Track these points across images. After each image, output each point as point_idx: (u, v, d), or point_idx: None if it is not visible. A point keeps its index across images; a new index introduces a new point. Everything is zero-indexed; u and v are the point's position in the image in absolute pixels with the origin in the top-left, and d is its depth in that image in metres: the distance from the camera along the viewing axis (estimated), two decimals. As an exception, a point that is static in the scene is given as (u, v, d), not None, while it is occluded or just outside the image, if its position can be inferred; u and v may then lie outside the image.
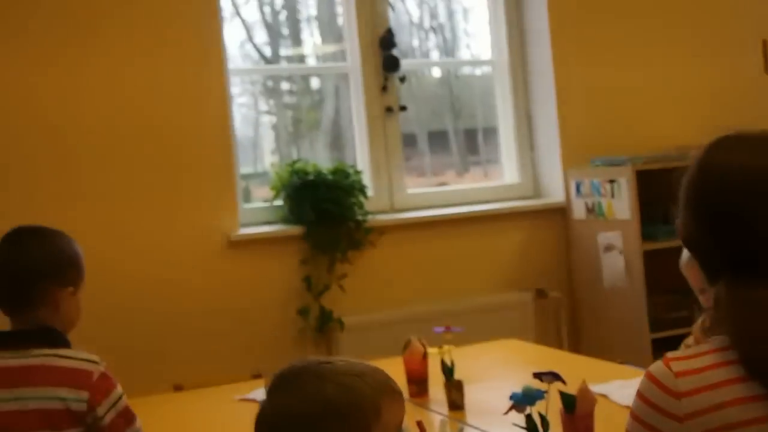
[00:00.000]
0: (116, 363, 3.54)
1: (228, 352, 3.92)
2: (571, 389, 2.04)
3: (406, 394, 1.38)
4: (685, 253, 1.59)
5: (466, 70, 5.21)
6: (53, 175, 3.74)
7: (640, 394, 1.41)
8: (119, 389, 2.03)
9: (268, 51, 4.56)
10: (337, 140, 4.66)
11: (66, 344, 2.05)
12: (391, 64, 4.41)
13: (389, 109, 4.45)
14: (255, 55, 4.54)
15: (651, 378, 1.40)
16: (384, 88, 4.44)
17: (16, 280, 2.02)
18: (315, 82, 4.76)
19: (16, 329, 2.04)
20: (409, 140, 4.56)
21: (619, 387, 2.60)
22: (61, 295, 2.05)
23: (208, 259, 3.95)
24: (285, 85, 4.71)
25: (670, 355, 1.42)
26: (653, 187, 4.29)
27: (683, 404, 1.36)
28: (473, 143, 5.05)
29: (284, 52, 4.61)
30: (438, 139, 4.97)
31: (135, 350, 3.75)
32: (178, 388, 3.24)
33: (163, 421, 2.68)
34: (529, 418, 1.94)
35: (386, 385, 1.30)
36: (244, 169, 4.31)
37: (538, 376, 1.99)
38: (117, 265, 3.79)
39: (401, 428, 1.31)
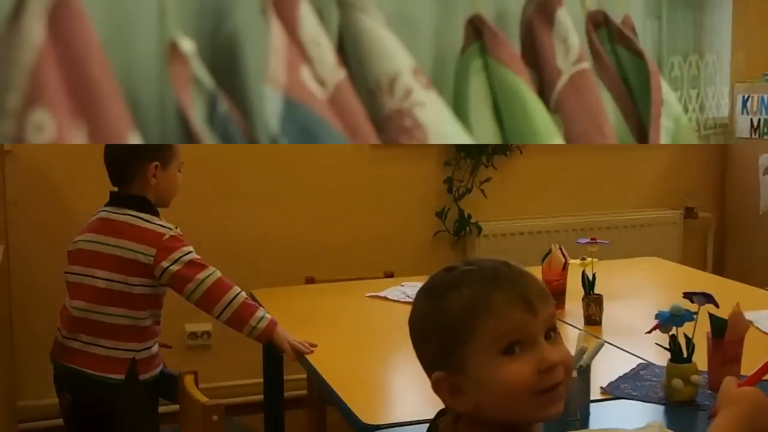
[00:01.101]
0: (255, 253, 3.63)
1: (362, 249, 3.89)
2: (722, 313, 1.91)
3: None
4: None
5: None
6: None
7: None
8: (188, 248, 2.41)
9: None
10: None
11: (152, 212, 2.47)
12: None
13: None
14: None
15: None
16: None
17: (119, 160, 2.48)
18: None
19: (122, 193, 2.51)
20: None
21: (770, 316, 2.45)
22: (151, 170, 2.46)
23: (351, 156, 3.88)
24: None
25: None
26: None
27: None
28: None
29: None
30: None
31: (272, 242, 3.76)
32: (309, 280, 3.25)
33: (293, 313, 2.69)
34: (673, 339, 1.83)
35: (483, 301, 1.11)
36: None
37: (688, 296, 1.87)
38: (267, 156, 3.75)
39: (536, 337, 1.15)
